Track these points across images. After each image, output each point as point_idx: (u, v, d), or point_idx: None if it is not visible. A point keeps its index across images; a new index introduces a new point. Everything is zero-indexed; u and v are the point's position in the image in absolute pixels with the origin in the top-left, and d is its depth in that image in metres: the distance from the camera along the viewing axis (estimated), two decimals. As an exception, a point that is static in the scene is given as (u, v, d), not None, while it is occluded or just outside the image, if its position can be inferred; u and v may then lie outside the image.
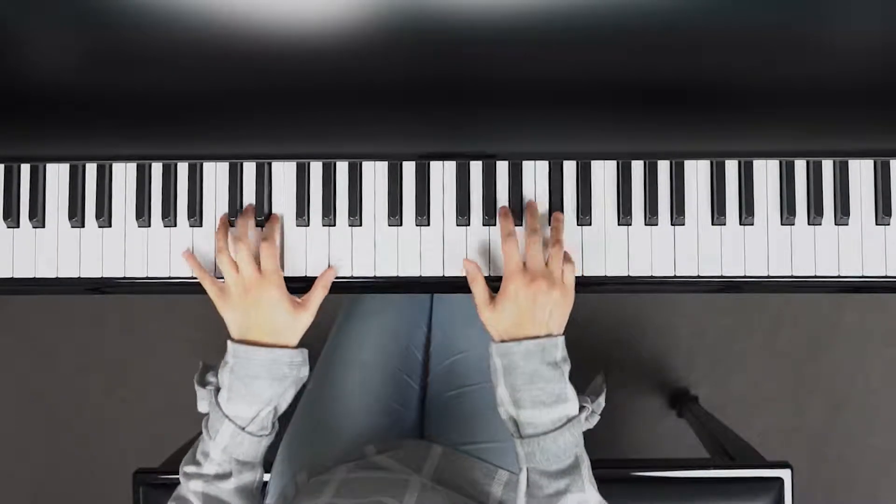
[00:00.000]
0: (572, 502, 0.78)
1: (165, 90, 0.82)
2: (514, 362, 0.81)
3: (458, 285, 0.93)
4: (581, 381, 0.86)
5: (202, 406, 0.88)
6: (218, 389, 0.86)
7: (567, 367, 0.82)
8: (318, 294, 0.90)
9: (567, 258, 0.87)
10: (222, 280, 0.90)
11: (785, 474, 1.15)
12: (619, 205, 0.94)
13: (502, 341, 0.83)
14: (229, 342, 0.86)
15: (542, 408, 0.79)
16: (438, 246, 0.94)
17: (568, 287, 0.85)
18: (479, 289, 0.86)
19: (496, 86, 0.81)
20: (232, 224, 0.94)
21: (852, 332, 1.82)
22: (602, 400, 0.87)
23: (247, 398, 0.84)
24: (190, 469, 0.85)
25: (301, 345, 0.89)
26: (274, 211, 0.95)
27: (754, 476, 1.15)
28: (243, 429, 0.84)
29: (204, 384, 0.88)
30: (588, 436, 0.84)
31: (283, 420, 0.93)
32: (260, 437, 0.85)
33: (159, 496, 1.15)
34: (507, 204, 0.94)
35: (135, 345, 1.87)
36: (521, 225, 0.93)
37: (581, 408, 0.82)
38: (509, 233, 0.86)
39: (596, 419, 0.86)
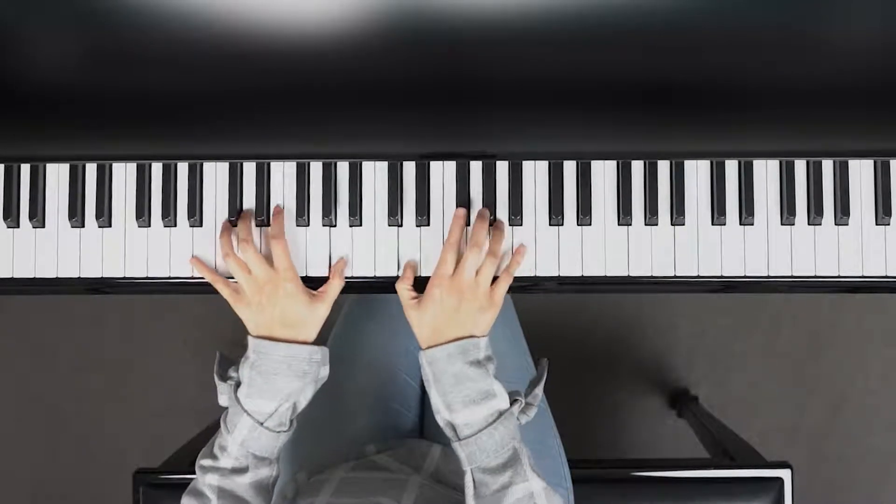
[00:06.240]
0: (518, 493, 0.80)
1: (165, 90, 0.82)
2: (440, 367, 0.83)
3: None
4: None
5: (222, 400, 0.88)
6: (238, 384, 0.86)
7: (492, 366, 0.85)
8: (334, 284, 0.91)
9: (506, 272, 0.89)
10: (234, 280, 0.90)
11: (785, 474, 1.15)
12: (619, 205, 0.94)
13: (428, 347, 0.85)
14: (249, 338, 0.87)
15: (472, 406, 0.82)
16: (438, 246, 0.94)
17: (495, 299, 0.87)
18: (402, 286, 0.89)
19: (496, 86, 0.81)
20: (234, 224, 0.94)
21: (852, 332, 1.81)
22: (539, 391, 0.88)
23: (266, 393, 0.84)
24: (206, 462, 0.86)
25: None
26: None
27: (754, 476, 1.15)
28: (262, 424, 0.84)
29: (225, 378, 0.88)
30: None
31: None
32: (278, 433, 0.85)
33: (159, 496, 1.15)
34: (508, 203, 0.94)
35: (135, 345, 1.87)
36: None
37: (514, 401, 0.84)
38: (455, 241, 0.89)
39: (534, 411, 0.87)
